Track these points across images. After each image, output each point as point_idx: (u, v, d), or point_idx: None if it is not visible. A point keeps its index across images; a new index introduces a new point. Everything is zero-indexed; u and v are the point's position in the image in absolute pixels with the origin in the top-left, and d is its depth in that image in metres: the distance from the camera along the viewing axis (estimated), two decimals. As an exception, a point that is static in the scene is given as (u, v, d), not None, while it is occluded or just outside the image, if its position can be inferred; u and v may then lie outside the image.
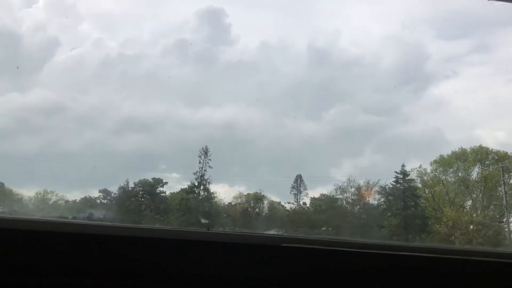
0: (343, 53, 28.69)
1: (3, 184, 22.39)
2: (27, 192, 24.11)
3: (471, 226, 22.58)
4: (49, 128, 26.71)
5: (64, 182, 26.11)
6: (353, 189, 26.04)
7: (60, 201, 24.50)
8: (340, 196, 26.35)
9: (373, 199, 25.87)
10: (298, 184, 26.20)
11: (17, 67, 24.56)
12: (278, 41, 30.99)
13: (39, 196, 24.24)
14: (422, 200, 24.94)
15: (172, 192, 25.47)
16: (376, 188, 25.46)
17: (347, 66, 29.22)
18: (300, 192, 26.16)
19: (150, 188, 25.01)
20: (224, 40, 29.40)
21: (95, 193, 24.95)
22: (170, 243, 1.18)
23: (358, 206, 26.50)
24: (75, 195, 26.63)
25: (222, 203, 25.69)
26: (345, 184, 25.92)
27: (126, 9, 33.56)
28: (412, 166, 25.34)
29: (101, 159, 26.71)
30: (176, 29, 30.97)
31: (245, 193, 26.28)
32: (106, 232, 1.17)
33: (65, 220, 1.32)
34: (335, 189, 26.04)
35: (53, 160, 25.41)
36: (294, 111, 29.53)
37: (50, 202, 24.27)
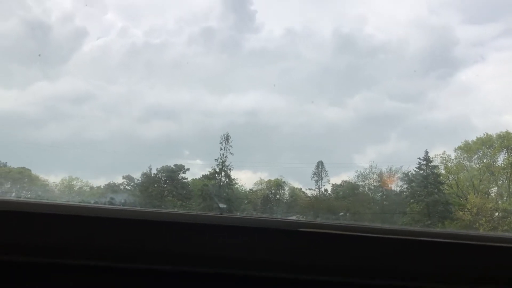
0: (368, 39, 28.31)
1: (30, 170, 23.00)
2: (55, 178, 24.75)
3: (496, 213, 22.17)
4: (77, 116, 27.26)
5: (90, 168, 26.71)
6: (375, 176, 25.84)
7: (85, 187, 25.06)
8: (362, 183, 26.19)
9: (396, 185, 25.62)
10: (320, 170, 26.13)
11: (39, 55, 25.02)
12: (303, 27, 30.77)
13: (65, 182, 24.83)
14: (446, 187, 24.57)
15: (194, 178, 25.75)
16: (399, 175, 25.20)
17: (373, 52, 28.84)
18: (322, 179, 26.09)
19: (172, 174, 25.31)
20: (249, 28, 29.35)
21: (119, 180, 25.44)
22: (179, 226, 1.18)
23: (380, 193, 26.30)
24: (100, 182, 27.23)
25: (243, 189, 25.86)
26: (367, 170, 25.73)
27: (151, -3, 33.63)
28: (436, 152, 24.98)
29: (127, 146, 27.21)
30: (201, 17, 31.00)
31: (266, 180, 26.37)
32: (118, 215, 1.18)
33: (83, 203, 1.34)
34: (357, 175, 25.89)
35: (80, 147, 25.97)
36: (318, 97, 29.36)
37: (76, 188, 24.85)
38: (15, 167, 22.91)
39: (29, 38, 25.85)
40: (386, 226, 1.32)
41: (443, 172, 25.07)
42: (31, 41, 25.81)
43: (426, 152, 24.55)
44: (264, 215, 1.44)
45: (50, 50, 25.97)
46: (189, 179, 25.82)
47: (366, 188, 26.28)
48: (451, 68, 30.98)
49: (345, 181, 26.39)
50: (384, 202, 25.99)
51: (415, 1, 31.23)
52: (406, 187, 25.13)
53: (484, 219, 21.34)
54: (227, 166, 24.25)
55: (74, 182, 25.13)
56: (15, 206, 1.17)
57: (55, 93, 25.75)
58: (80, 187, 25.08)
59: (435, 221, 22.27)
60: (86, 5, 27.08)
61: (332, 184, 26.30)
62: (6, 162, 22.96)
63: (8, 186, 21.71)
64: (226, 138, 24.19)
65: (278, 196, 26.38)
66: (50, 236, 1.12)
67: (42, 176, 23.60)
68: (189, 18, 31.42)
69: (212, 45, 28.62)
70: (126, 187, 25.43)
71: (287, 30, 30.14)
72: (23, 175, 22.62)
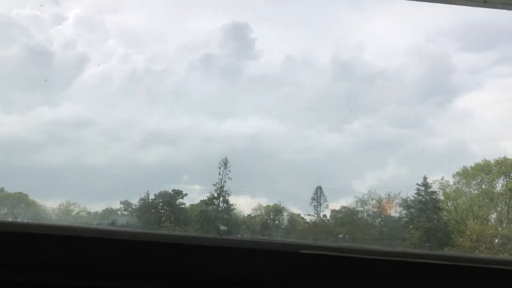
0: (367, 66, 28.77)
1: (27, 195, 22.85)
2: (52, 203, 24.59)
3: (496, 240, 22.00)
4: (77, 141, 27.33)
5: (87, 193, 26.55)
6: (374, 202, 25.71)
7: (82, 213, 24.85)
8: (361, 209, 26.04)
9: (395, 211, 25.49)
10: (318, 196, 26.01)
11: (45, 80, 25.32)
12: (302, 55, 31.24)
13: (62, 207, 24.64)
14: (445, 213, 24.45)
15: (192, 203, 25.58)
16: (397, 200, 25.10)
17: (371, 79, 29.25)
18: (320, 204, 25.95)
19: (170, 199, 25.15)
20: (249, 55, 29.77)
21: (117, 205, 25.27)
22: (179, 247, 1.19)
23: (379, 219, 26.12)
24: (97, 207, 27.02)
25: (242, 215, 25.67)
26: (366, 196, 25.63)
27: (152, 25, 34.23)
28: (435, 178, 24.98)
29: (126, 171, 27.14)
30: (202, 44, 31.42)
31: (265, 205, 26.20)
32: (117, 236, 1.19)
33: (78, 224, 1.36)
34: (356, 201, 25.77)
35: (79, 172, 25.87)
36: (317, 123, 29.55)
37: (73, 214, 24.65)
38: (12, 192, 22.78)
39: (32, 64, 26.16)
40: (386, 248, 1.33)
41: (441, 198, 24.99)
42: (33, 67, 26.12)
43: (425, 178, 24.56)
44: (264, 237, 1.44)
45: (51, 76, 26.26)
46: (187, 204, 25.67)
47: (365, 214, 26.12)
48: (449, 94, 31.35)
49: (344, 207, 26.25)
50: (383, 228, 25.80)
51: (413, 30, 31.83)
52: (405, 213, 25.00)
53: (484, 245, 21.16)
54: (226, 191, 24.15)
55: (72, 207, 24.96)
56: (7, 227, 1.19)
57: (56, 118, 25.92)
58: (78, 213, 24.88)
59: (434, 247, 22.08)
60: (92, 31, 27.47)
61: (331, 209, 26.16)
62: (3, 187, 22.85)
63: (5, 211, 21.53)
64: (225, 163, 24.18)
65: (276, 222, 26.18)
66: (41, 256, 1.13)
67: (40, 201, 23.45)
68: (190, 46, 31.88)
69: (212, 72, 28.99)
70: (124, 212, 25.24)
71: (286, 57, 30.58)
72: (20, 200, 22.47)
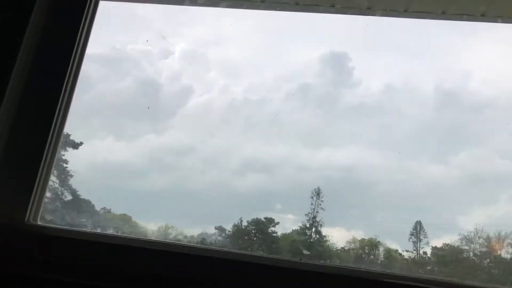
0: (474, 95, 27.06)
1: (130, 217, 24.59)
2: (153, 226, 26.13)
3: None
4: (178, 167, 28.96)
5: (185, 218, 27.79)
6: (481, 240, 23.61)
7: (179, 236, 26.03)
8: (466, 247, 24.03)
9: (506, 252, 23.12)
10: (418, 231, 24.54)
11: (148, 107, 27.53)
12: (403, 83, 30.32)
13: (161, 230, 26.06)
14: None
15: (284, 232, 25.60)
16: (509, 241, 22.78)
17: (479, 108, 27.37)
18: (420, 240, 24.43)
19: (263, 227, 25.43)
20: (347, 84, 29.62)
21: (212, 230, 26.13)
22: (258, 267, 1.16)
23: (488, 260, 23.87)
24: (194, 231, 28.15)
25: (335, 247, 25.08)
26: (472, 234, 23.63)
27: (251, 56, 35.59)
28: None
29: (222, 197, 28.08)
30: (299, 74, 31.97)
31: (360, 238, 25.38)
32: (198, 252, 1.20)
33: (163, 241, 1.40)
34: (460, 239, 23.87)
35: (178, 197, 27.32)
36: (419, 154, 28.21)
37: (171, 237, 25.93)
38: (118, 213, 24.65)
39: (142, 95, 28.57)
40: (478, 284, 1.19)
41: None
42: (142, 98, 28.49)
43: (542, 217, 22.07)
44: (346, 264, 1.37)
45: (158, 106, 28.44)
46: (279, 233, 25.73)
47: (471, 254, 24.03)
48: None
49: (447, 244, 24.33)
50: (493, 270, 23.49)
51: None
52: (518, 255, 22.59)
53: None
54: (318, 222, 23.86)
55: (170, 230, 26.27)
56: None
57: (160, 145, 27.73)
58: (175, 236, 26.09)
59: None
60: (190, 63, 29.41)
61: (432, 246, 24.50)
62: (111, 209, 24.82)
63: (111, 230, 23.30)
64: (317, 193, 23.96)
65: (372, 257, 25.14)
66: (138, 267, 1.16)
67: (141, 223, 25.06)
68: (287, 76, 32.55)
69: (309, 101, 29.30)
70: (218, 237, 25.99)
71: (385, 85, 29.89)
72: (124, 221, 24.19)
